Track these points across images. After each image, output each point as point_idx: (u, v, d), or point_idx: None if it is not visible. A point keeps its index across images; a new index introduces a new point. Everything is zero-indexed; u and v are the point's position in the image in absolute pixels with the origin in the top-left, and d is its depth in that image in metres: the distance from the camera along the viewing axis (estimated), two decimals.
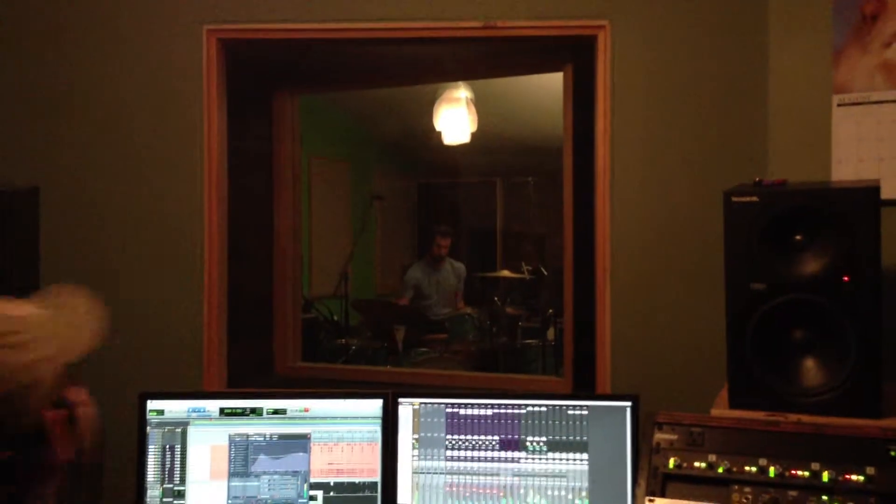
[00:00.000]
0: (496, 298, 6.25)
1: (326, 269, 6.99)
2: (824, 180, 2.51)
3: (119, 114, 2.85)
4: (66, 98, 2.85)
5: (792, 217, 1.98)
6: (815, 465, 1.82)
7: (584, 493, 2.22)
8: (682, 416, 1.97)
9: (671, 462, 1.91)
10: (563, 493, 2.23)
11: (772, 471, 1.83)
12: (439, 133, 5.42)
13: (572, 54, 3.15)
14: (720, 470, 1.87)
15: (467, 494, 2.27)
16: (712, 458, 1.89)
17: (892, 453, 1.79)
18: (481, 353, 6.24)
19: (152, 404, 2.30)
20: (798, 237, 1.99)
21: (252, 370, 3.59)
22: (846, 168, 2.62)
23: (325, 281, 6.87)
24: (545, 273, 6.36)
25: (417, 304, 6.80)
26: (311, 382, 3.57)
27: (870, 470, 1.78)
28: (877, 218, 1.91)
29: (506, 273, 6.58)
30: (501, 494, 2.26)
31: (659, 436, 1.96)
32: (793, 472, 1.82)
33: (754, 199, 2.00)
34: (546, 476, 2.25)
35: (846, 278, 1.93)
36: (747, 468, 1.86)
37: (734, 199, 2.02)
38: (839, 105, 2.63)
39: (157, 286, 2.82)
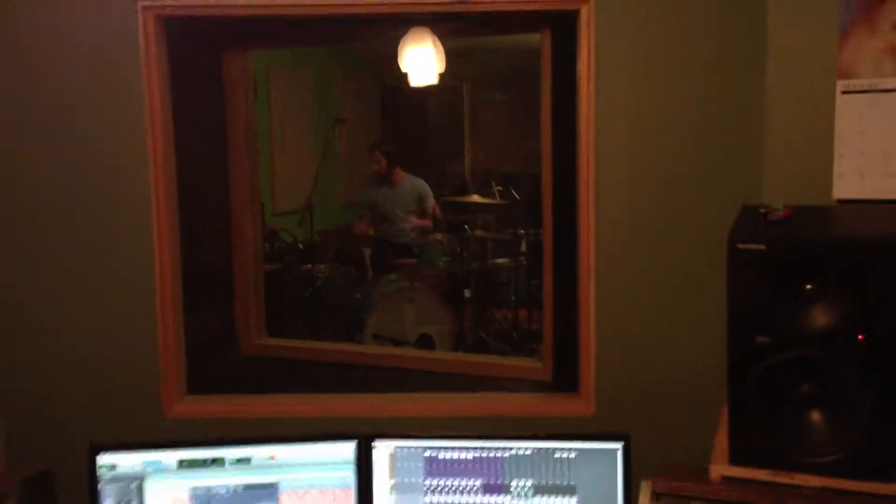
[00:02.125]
0: (465, 226, 6.06)
1: (289, 185, 6.75)
2: (828, 205, 2.30)
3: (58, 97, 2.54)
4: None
5: (802, 266, 1.79)
6: None
7: None
8: (681, 486, 1.84)
9: None
10: None
11: None
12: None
13: (551, 17, 2.87)
14: None
15: None
16: None
17: None
18: (452, 278, 6.11)
19: (103, 458, 2.11)
20: (808, 286, 1.81)
21: (213, 348, 3.41)
22: (848, 162, 2.41)
23: (289, 197, 6.64)
24: (517, 196, 6.16)
25: (379, 226, 6.59)
26: (278, 363, 3.41)
27: None
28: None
29: (476, 198, 6.38)
30: None
31: None
32: None
33: (761, 247, 1.81)
34: None
35: (861, 337, 1.76)
36: None
37: (740, 245, 1.82)
38: (843, 92, 2.40)
39: (101, 255, 2.57)
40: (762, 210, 1.95)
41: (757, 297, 1.83)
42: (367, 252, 6.64)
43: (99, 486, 2.11)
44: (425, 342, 5.46)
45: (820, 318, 1.80)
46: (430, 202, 6.68)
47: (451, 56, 5.14)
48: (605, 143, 2.47)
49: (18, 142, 2.53)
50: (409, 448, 2.16)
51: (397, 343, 5.34)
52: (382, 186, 6.62)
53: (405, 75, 5.18)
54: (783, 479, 1.83)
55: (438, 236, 6.29)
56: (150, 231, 2.53)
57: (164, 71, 2.58)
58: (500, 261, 6.21)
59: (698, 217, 2.44)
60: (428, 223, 6.64)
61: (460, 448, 2.15)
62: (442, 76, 5.35)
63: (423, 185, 6.68)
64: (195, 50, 3.16)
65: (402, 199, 6.61)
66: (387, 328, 5.48)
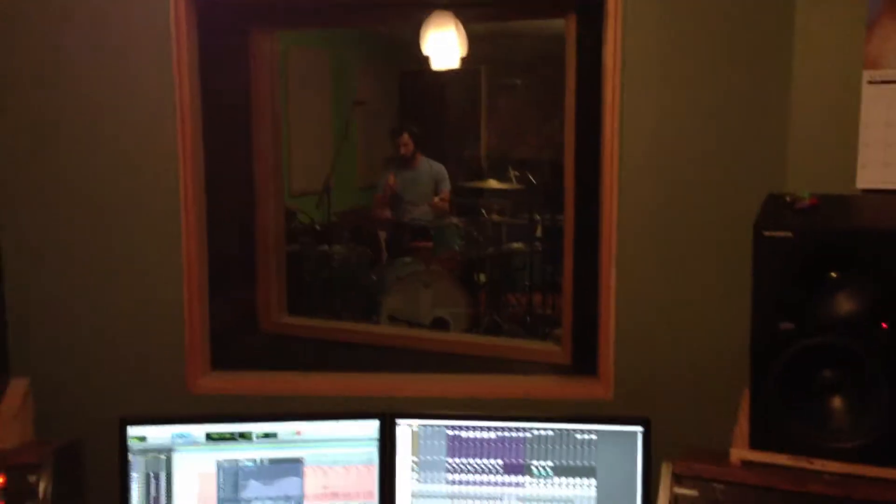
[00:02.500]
0: (482, 210, 6.08)
1: (307, 167, 6.77)
2: (853, 194, 2.31)
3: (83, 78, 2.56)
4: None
5: (827, 255, 1.81)
6: None
7: None
8: (703, 468, 1.86)
9: None
10: None
11: None
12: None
13: (576, 3, 2.87)
14: None
15: None
16: None
17: None
18: (467, 262, 6.14)
19: (133, 430, 2.15)
20: (833, 274, 1.82)
21: (235, 327, 3.44)
22: (873, 153, 2.42)
23: (306, 178, 6.66)
24: (533, 181, 6.17)
25: (396, 206, 6.61)
26: (299, 342, 3.44)
27: None
28: None
29: (493, 183, 6.38)
30: None
31: (678, 490, 1.85)
32: None
33: (788, 234, 1.82)
34: (552, 501, 2.16)
35: (884, 325, 1.77)
36: None
37: (766, 233, 1.84)
38: (869, 82, 2.41)
39: (131, 237, 2.60)
40: (788, 198, 1.96)
41: (782, 284, 1.84)
42: (383, 235, 6.68)
43: (129, 457, 2.15)
44: (440, 325, 5.49)
45: (844, 305, 1.81)
46: (447, 186, 6.70)
47: (470, 40, 5.14)
48: (630, 133, 2.48)
49: (48, 125, 2.55)
50: (432, 427, 2.19)
51: (412, 325, 5.38)
52: (402, 169, 6.64)
53: (425, 59, 5.19)
54: (803, 464, 1.85)
55: (454, 220, 6.31)
56: (178, 214, 2.56)
57: (194, 53, 2.60)
58: (515, 245, 6.24)
59: (722, 205, 2.45)
60: (445, 206, 6.66)
61: (483, 428, 2.17)
62: (462, 60, 5.36)
63: (441, 169, 6.70)
64: (222, 30, 3.18)
65: (420, 182, 6.63)
66: (402, 310, 5.52)
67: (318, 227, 6.33)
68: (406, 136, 6.56)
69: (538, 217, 6.10)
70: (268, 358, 3.44)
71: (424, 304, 5.56)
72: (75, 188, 2.57)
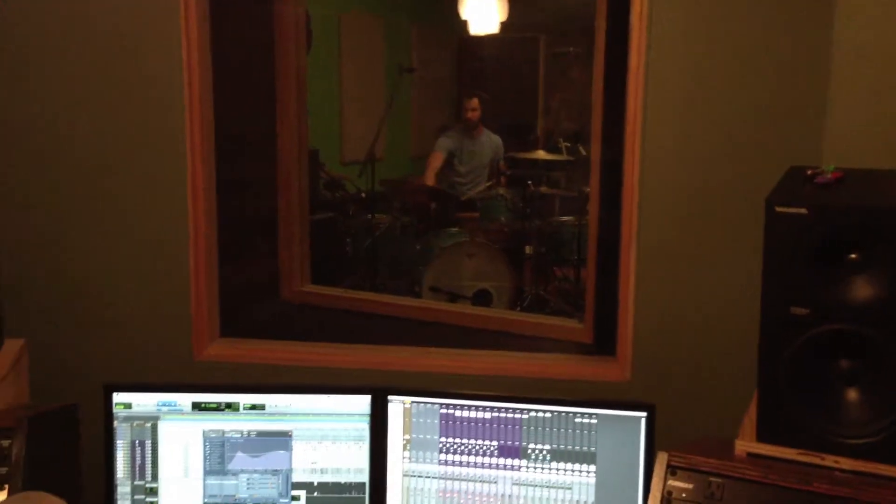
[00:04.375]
0: (529, 182, 5.92)
1: (359, 134, 6.69)
2: (884, 170, 2.11)
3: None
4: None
5: (847, 234, 1.65)
6: None
7: None
8: (701, 461, 1.73)
9: None
10: None
11: None
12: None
13: None
14: None
15: (462, 502, 2.08)
16: None
17: None
18: (514, 235, 6.01)
19: (118, 397, 2.10)
20: (852, 256, 1.66)
21: (254, 295, 3.39)
22: None
23: (358, 146, 6.59)
24: (584, 153, 5.98)
25: (448, 177, 6.49)
26: (318, 311, 3.36)
27: None
28: None
29: (542, 154, 6.22)
30: (499, 503, 2.07)
31: (672, 483, 1.72)
32: None
33: (802, 211, 1.66)
34: (548, 487, 2.04)
35: None
36: None
37: (778, 209, 1.68)
38: None
39: (137, 202, 2.55)
40: (809, 172, 1.79)
41: (795, 265, 1.69)
42: (432, 205, 6.56)
43: (114, 424, 2.10)
44: (483, 297, 5.38)
45: (862, 290, 1.65)
46: (502, 160, 6.57)
47: (523, 6, 4.98)
48: (655, 102, 2.33)
49: (55, 91, 2.51)
50: (424, 404, 2.09)
51: (454, 297, 5.28)
52: (463, 138, 6.51)
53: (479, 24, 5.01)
54: (813, 459, 1.71)
55: (501, 191, 6.17)
56: (184, 179, 2.51)
57: (204, 16, 2.52)
58: (564, 219, 6.08)
59: (751, 181, 2.27)
60: (502, 182, 6.52)
61: (477, 407, 2.07)
62: (515, 27, 5.18)
63: (499, 142, 6.57)
64: None
65: (480, 153, 6.50)
66: (445, 281, 5.42)
67: (363, 195, 6.26)
68: (476, 101, 6.40)
69: (587, 190, 5.91)
70: (287, 327, 3.38)
71: (467, 276, 5.45)
72: (75, 148, 2.53)
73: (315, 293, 3.56)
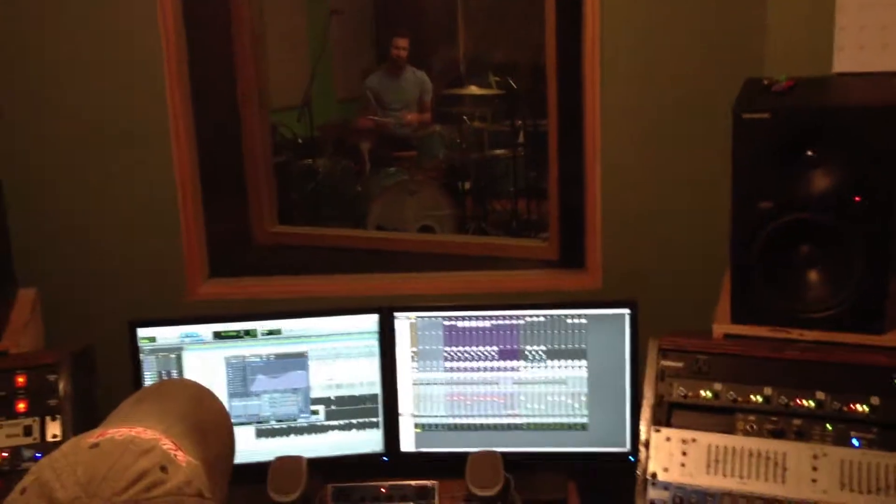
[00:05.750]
0: (464, 117, 6.09)
1: (286, 80, 6.72)
2: (828, 75, 2.36)
3: None
4: None
5: (804, 134, 1.89)
6: (820, 395, 1.84)
7: (584, 399, 2.25)
8: (687, 342, 1.97)
9: (676, 391, 1.92)
10: (563, 398, 2.26)
11: (776, 400, 1.86)
12: None
13: None
14: (725, 399, 1.89)
15: (468, 403, 2.30)
16: (717, 386, 1.91)
17: None
18: (451, 170, 6.19)
19: (143, 332, 2.24)
20: (809, 153, 1.90)
21: (229, 239, 3.51)
22: (848, 36, 2.45)
23: (285, 92, 6.62)
24: (514, 86, 6.17)
25: (380, 115, 6.60)
26: (291, 251, 3.50)
27: (874, 400, 1.80)
28: (894, 139, 1.82)
29: (473, 89, 6.38)
30: (502, 402, 2.29)
31: (664, 363, 1.96)
32: (797, 401, 1.84)
33: (766, 116, 1.89)
34: (546, 383, 2.27)
35: (857, 199, 1.86)
36: (752, 397, 1.88)
37: (745, 115, 1.91)
38: None
39: (127, 153, 2.65)
40: (765, 82, 2.02)
41: (760, 164, 1.92)
42: (366, 146, 6.68)
43: (140, 357, 2.24)
44: (427, 233, 5.57)
45: (819, 182, 1.89)
46: (429, 96, 6.69)
47: None
48: (611, 25, 2.52)
49: (46, 52, 2.58)
50: (429, 318, 2.28)
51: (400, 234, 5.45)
52: (387, 77, 6.59)
53: None
54: (781, 334, 1.96)
55: (437, 128, 6.33)
56: (167, 132, 2.60)
57: None
58: (498, 152, 6.28)
59: (702, 94, 2.50)
60: (427, 117, 6.66)
61: (478, 317, 2.27)
62: None
63: (425, 78, 6.67)
64: None
65: (405, 90, 6.60)
66: (389, 220, 5.59)
67: (300, 141, 6.34)
68: (405, 41, 6.46)
69: (520, 123, 6.12)
70: (263, 267, 3.51)
71: (410, 213, 5.62)
72: (70, 103, 2.60)
73: (286, 233, 3.70)
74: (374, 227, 5.54)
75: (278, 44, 6.89)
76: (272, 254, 3.61)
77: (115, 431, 0.99)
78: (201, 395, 1.23)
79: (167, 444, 1.00)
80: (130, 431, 0.99)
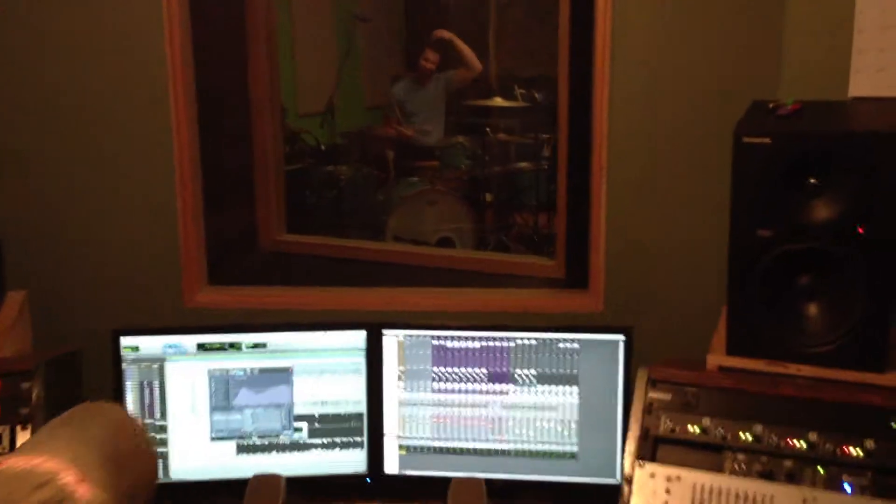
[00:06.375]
0: (487, 129, 6.03)
1: (313, 87, 6.72)
2: (841, 100, 2.27)
3: None
4: None
5: (806, 161, 1.80)
6: (813, 436, 1.75)
7: (574, 426, 2.18)
8: (677, 373, 1.89)
9: (664, 425, 1.84)
10: (552, 425, 2.19)
11: (767, 439, 1.77)
12: None
13: None
14: (714, 436, 1.81)
15: (455, 426, 2.23)
16: (706, 421, 1.82)
17: (894, 425, 1.71)
18: (473, 182, 6.13)
19: (126, 340, 2.20)
20: (812, 180, 1.82)
21: (232, 246, 3.48)
22: (867, 59, 2.36)
23: (313, 98, 6.62)
24: (539, 99, 6.10)
25: (404, 124, 6.53)
26: (297, 259, 3.46)
27: (868, 443, 1.71)
28: None
29: (499, 101, 6.31)
30: (489, 426, 2.22)
31: (652, 395, 1.88)
32: (789, 441, 1.76)
33: (766, 140, 1.81)
34: (535, 408, 2.20)
35: (860, 229, 1.78)
36: (742, 435, 1.79)
37: (745, 139, 1.83)
38: None
39: (126, 154, 2.62)
40: (771, 105, 1.94)
41: (760, 190, 1.84)
42: (391, 154, 6.64)
43: (122, 366, 2.20)
44: (445, 244, 5.51)
45: (822, 211, 1.81)
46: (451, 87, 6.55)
47: None
48: (622, 43, 2.45)
49: (44, 48, 2.56)
50: (417, 336, 2.22)
51: (418, 244, 5.40)
52: (410, 87, 6.54)
53: None
54: (777, 368, 1.88)
55: (460, 139, 6.27)
56: (169, 131, 2.57)
57: None
58: (522, 165, 6.21)
59: (713, 116, 2.41)
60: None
61: (467, 338, 2.21)
62: None
63: (448, 76, 6.57)
64: None
65: (428, 101, 6.54)
66: (407, 230, 5.53)
67: (322, 148, 6.32)
68: (435, 55, 6.34)
69: (545, 136, 6.05)
70: (266, 276, 3.49)
71: (430, 224, 5.57)
72: (66, 100, 2.58)
73: (293, 241, 3.66)
74: (393, 236, 5.49)
75: (310, 52, 6.91)
76: (277, 260, 3.57)
77: (17, 461, 0.95)
78: (121, 423, 1.18)
79: (69, 477, 0.95)
80: (30, 462, 0.94)
